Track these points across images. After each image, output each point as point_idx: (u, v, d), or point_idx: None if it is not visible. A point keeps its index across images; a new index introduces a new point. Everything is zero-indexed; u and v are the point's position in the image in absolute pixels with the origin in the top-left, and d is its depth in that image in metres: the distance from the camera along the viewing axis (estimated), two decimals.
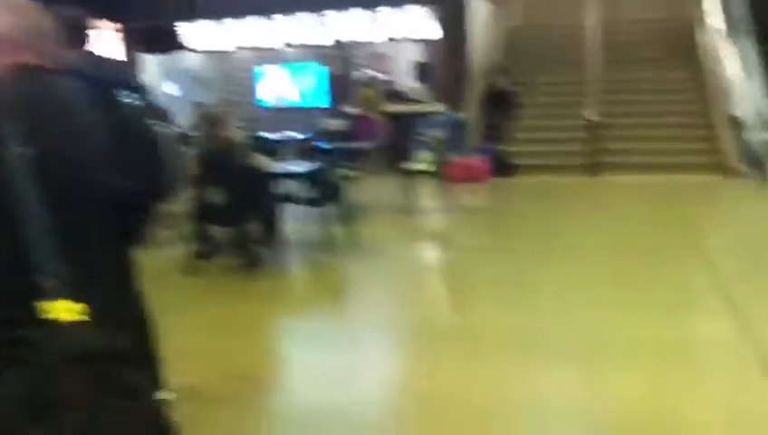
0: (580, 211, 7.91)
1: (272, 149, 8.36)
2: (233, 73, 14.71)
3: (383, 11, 12.27)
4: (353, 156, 7.81)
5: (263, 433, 3.02)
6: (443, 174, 7.73)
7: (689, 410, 3.01)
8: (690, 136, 9.90)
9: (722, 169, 9.32)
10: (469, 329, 4.14)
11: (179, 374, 3.50)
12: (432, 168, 7.84)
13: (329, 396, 3.35)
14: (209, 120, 5.44)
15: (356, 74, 13.11)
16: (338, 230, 6.59)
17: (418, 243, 6.71)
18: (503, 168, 10.03)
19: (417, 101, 11.84)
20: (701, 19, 11.67)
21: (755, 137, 9.69)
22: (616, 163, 9.78)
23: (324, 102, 13.67)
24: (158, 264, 6.00)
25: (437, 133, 10.51)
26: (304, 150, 8.03)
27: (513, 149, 10.44)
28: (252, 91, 14.52)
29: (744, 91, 10.10)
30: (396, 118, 10.95)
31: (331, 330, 4.36)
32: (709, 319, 4.12)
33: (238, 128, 5.63)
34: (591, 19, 11.51)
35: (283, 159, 8.28)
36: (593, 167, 9.79)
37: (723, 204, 8.11)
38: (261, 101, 14.44)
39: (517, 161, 10.12)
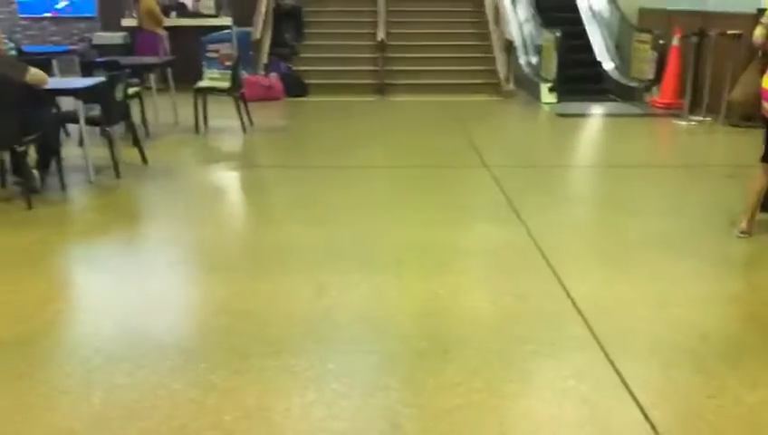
0: (371, 129, 8.19)
1: (43, 63, 7.48)
2: None
3: None
4: (136, 72, 7.25)
5: (57, 374, 2.84)
6: (235, 92, 7.48)
7: (480, 299, 3.37)
8: (470, 59, 10.55)
9: (497, 90, 10.12)
10: (274, 245, 4.18)
11: None
12: (224, 85, 7.54)
13: (130, 324, 3.23)
14: None
15: None
16: (124, 151, 6.20)
17: (211, 163, 6.53)
18: (294, 86, 9.99)
19: (204, 15, 11.26)
20: None
21: (524, 60, 10.64)
22: (403, 85, 10.19)
23: (90, 11, 12.38)
24: None
25: (227, 49, 10.11)
26: (83, 66, 7.27)
27: (305, 68, 10.42)
28: None
29: (514, 17, 10.97)
30: (181, 32, 10.35)
31: (121, 255, 4.15)
32: (502, 226, 4.55)
33: (4, 38, 4.94)
34: None
35: (57, 75, 7.48)
36: (382, 87, 10.11)
37: (497, 122, 8.85)
38: (24, 7, 12.74)
39: (308, 81, 10.13)
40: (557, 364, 2.84)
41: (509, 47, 10.00)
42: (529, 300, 3.41)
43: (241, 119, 7.55)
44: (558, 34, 9.30)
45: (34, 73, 4.85)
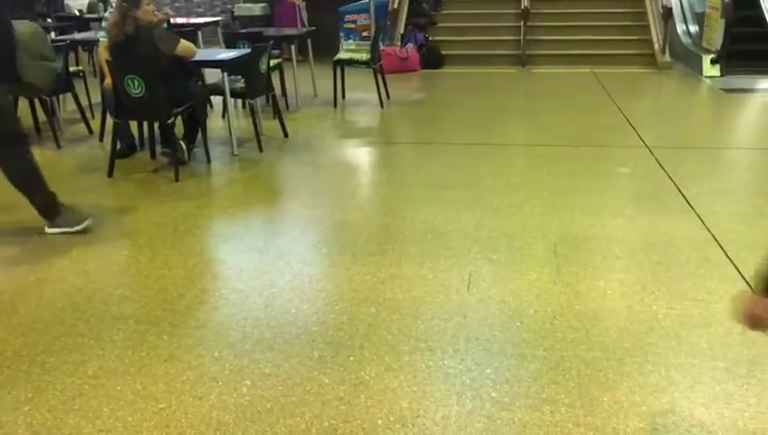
0: (513, 103, 7.77)
1: (189, 35, 7.64)
2: None
3: None
4: (277, 43, 7.23)
5: (206, 358, 2.76)
6: (374, 64, 7.30)
7: (654, 302, 2.98)
8: (622, 28, 9.79)
9: (652, 61, 9.32)
10: (418, 228, 3.95)
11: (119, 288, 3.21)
12: (363, 57, 7.38)
13: (275, 308, 3.11)
14: (125, 0, 4.77)
15: None
16: (264, 124, 6.20)
17: (350, 138, 6.38)
18: (431, 58, 9.69)
19: None
20: None
21: (682, 29, 9.72)
22: (546, 55, 9.63)
23: None
24: (75, 162, 5.49)
25: (364, 20, 9.95)
26: (226, 37, 7.34)
27: (442, 38, 10.08)
28: None
29: None
30: (318, 2, 10.30)
31: (264, 233, 4.07)
32: (671, 216, 4.09)
33: (155, 10, 4.99)
34: None
35: (201, 47, 7.62)
36: (523, 58, 9.60)
37: (653, 96, 8.14)
38: None
39: (445, 52, 9.80)
40: (761, 389, 2.43)
41: (667, 14, 9.15)
42: (713, 308, 2.98)
43: (378, 92, 7.37)
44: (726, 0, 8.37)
45: (184, 45, 4.88)
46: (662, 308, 2.99)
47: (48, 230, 3.94)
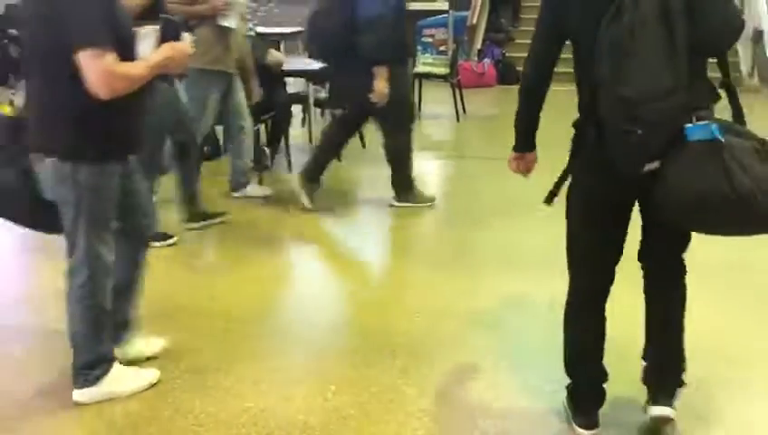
0: None
1: (273, 44, 7.84)
2: None
3: None
4: None
5: (290, 362, 2.82)
6: (452, 78, 7.33)
7: None
8: None
9: (738, 84, 9.03)
10: (497, 243, 3.94)
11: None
12: (442, 71, 7.43)
13: (357, 317, 3.16)
14: None
15: None
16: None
17: (426, 150, 6.41)
18: (507, 73, 9.65)
19: None
20: None
21: None
22: None
23: None
24: None
25: (442, 34, 9.99)
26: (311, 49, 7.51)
27: (519, 54, 10.03)
28: None
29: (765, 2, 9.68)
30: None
31: (344, 241, 4.13)
32: None
33: (247, 19, 5.16)
34: None
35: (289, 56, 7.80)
36: None
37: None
38: None
39: (521, 68, 9.72)
40: None
41: (757, 37, 8.85)
42: None
43: (455, 106, 7.39)
44: None
45: (274, 55, 5.01)
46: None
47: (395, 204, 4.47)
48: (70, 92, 2.13)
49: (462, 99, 7.55)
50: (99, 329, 2.38)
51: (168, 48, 2.28)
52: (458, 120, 7.35)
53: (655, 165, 1.83)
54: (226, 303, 3.26)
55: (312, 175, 4.44)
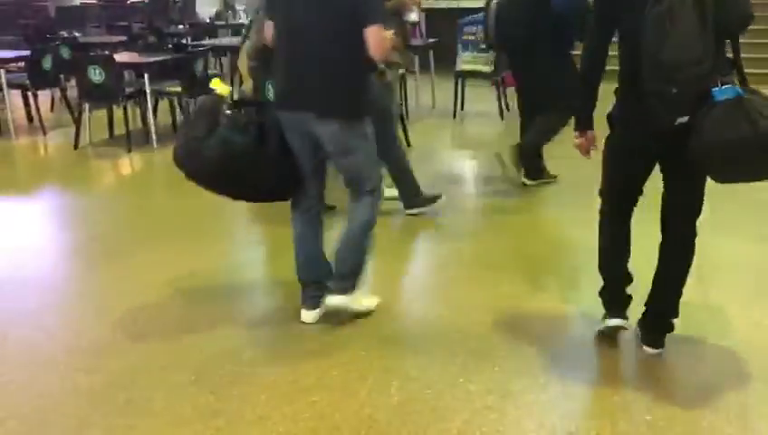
0: None
1: None
2: None
3: None
4: None
5: (353, 357, 2.83)
6: (496, 76, 7.28)
7: None
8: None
9: None
10: (548, 245, 3.91)
11: None
12: (486, 69, 7.38)
13: (414, 312, 3.17)
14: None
15: None
16: None
17: (467, 149, 6.40)
18: None
19: None
20: None
21: None
22: None
23: None
24: None
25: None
26: None
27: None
28: None
29: None
30: (438, 13, 10.38)
31: (398, 237, 4.13)
32: None
33: None
34: None
35: None
36: None
37: None
38: None
39: None
40: None
41: None
42: None
43: (499, 104, 7.35)
44: None
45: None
46: None
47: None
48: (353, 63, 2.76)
49: (506, 97, 7.49)
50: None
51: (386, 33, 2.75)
52: (502, 118, 7.30)
53: (685, 119, 2.29)
54: (279, 296, 3.29)
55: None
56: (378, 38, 2.67)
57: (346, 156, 2.84)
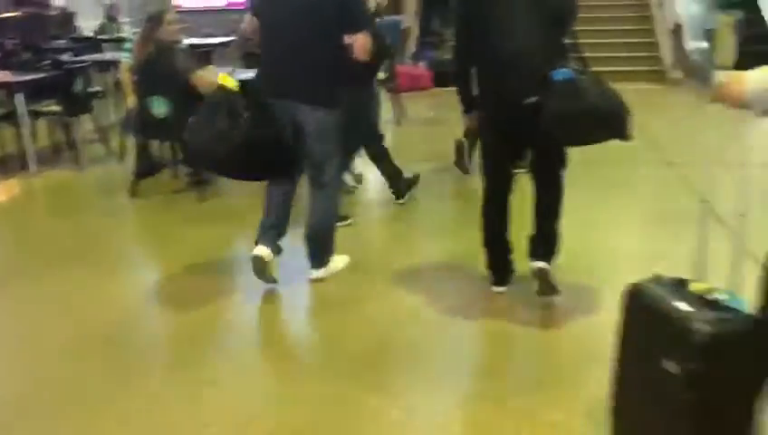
0: None
1: (204, 55, 7.68)
2: None
3: None
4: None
5: (251, 376, 2.73)
6: (390, 83, 7.31)
7: None
8: (630, 45, 9.84)
9: (661, 78, 9.36)
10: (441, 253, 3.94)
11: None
12: (379, 76, 7.38)
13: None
14: (148, 19, 4.80)
15: None
16: None
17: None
18: (440, 75, 9.72)
19: None
20: None
21: (692, 45, 9.78)
22: None
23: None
24: (96, 183, 5.49)
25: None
26: (246, 56, 7.36)
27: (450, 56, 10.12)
28: None
29: None
30: None
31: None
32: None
33: (178, 29, 5.02)
34: None
35: (222, 67, 7.61)
36: None
37: (668, 113, 8.15)
38: None
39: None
40: None
41: (676, 30, 9.20)
42: None
43: (394, 110, 7.38)
44: (738, 17, 8.43)
45: (201, 77, 4.77)
46: None
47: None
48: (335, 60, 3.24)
49: (401, 103, 7.54)
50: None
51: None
52: (399, 123, 7.34)
53: (533, 99, 2.78)
54: (169, 331, 3.14)
55: None
56: (364, 43, 3.19)
57: (322, 142, 3.27)
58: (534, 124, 2.79)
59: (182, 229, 4.38)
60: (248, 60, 6.83)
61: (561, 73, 2.72)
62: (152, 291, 3.57)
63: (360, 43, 3.18)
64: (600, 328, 2.74)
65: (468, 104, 3.12)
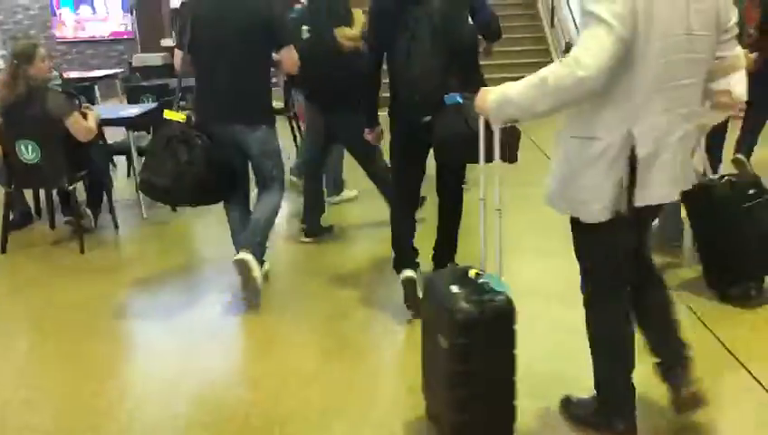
0: None
1: (86, 90, 7.14)
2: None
3: None
4: (184, 95, 6.85)
5: None
6: (287, 111, 7.04)
7: None
8: (523, 65, 9.98)
9: None
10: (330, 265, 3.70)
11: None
12: (276, 105, 7.09)
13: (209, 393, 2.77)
14: (15, 56, 4.31)
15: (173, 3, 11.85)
16: None
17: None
18: None
19: None
20: None
21: None
22: None
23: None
24: None
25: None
26: (129, 91, 6.89)
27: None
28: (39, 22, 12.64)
29: (572, 17, 10.36)
30: None
31: (188, 305, 3.70)
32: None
33: (51, 67, 4.57)
34: None
35: (99, 102, 7.12)
36: None
37: None
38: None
39: None
40: None
41: (568, 49, 9.39)
42: None
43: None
44: None
45: (76, 122, 4.33)
46: None
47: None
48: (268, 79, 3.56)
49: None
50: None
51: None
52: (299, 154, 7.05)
53: (428, 118, 3.00)
54: (41, 411, 2.72)
55: None
56: (292, 56, 3.46)
57: (267, 157, 3.51)
58: (429, 141, 3.10)
59: (56, 283, 3.93)
60: (132, 94, 6.40)
61: (450, 98, 2.92)
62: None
63: (287, 58, 3.45)
64: None
65: (373, 120, 3.35)
